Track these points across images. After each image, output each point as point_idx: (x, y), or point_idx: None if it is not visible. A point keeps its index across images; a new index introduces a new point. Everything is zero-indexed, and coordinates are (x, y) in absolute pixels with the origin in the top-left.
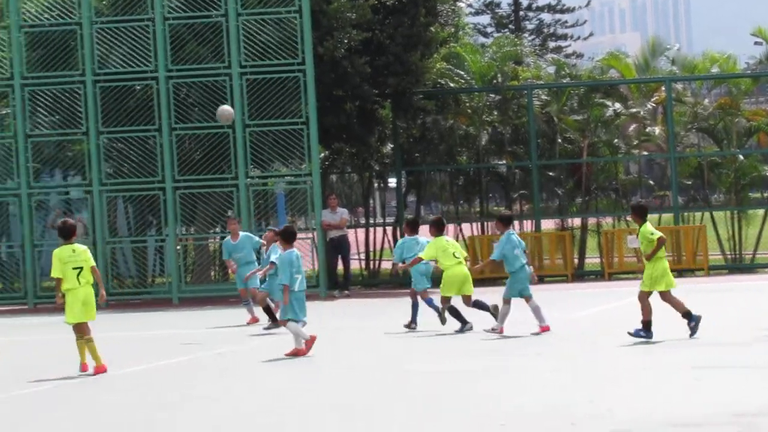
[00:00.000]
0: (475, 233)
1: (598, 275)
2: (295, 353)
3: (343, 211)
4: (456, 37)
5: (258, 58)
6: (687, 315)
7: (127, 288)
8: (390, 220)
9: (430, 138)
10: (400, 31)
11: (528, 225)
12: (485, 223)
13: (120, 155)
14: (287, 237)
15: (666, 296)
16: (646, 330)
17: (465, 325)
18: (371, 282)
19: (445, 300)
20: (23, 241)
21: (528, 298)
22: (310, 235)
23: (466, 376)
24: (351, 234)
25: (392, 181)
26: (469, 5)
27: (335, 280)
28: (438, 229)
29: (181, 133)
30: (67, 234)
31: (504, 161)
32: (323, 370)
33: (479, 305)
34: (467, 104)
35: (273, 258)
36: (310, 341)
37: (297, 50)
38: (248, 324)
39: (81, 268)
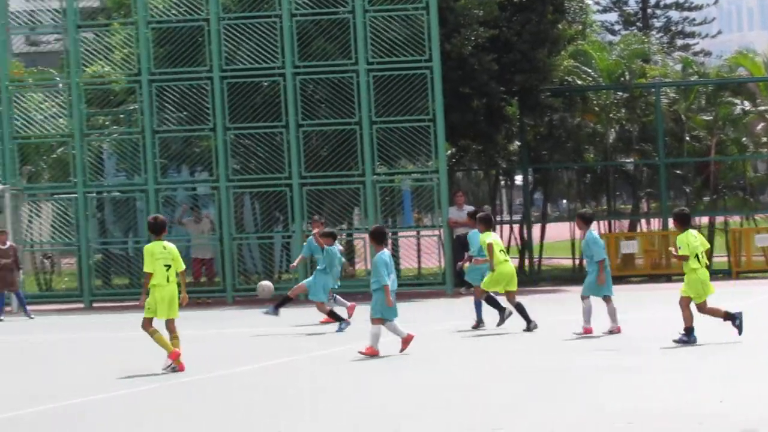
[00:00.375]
0: (602, 231)
1: (726, 274)
2: (370, 353)
3: (469, 208)
4: (583, 35)
5: (385, 54)
6: (688, 330)
7: (254, 284)
8: (516, 217)
9: (557, 135)
10: (528, 28)
11: (655, 223)
12: (612, 222)
13: (247, 151)
14: (378, 238)
15: (685, 302)
16: (738, 324)
17: (503, 313)
18: None
19: (481, 292)
20: (149, 236)
21: (586, 298)
22: (436, 232)
23: (589, 373)
24: None
25: (519, 179)
26: (597, 2)
27: (462, 277)
28: (486, 226)
29: (308, 129)
30: (157, 230)
31: (631, 159)
32: (446, 368)
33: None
34: (594, 102)
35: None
36: (408, 338)
37: (424, 47)
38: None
39: (170, 265)
